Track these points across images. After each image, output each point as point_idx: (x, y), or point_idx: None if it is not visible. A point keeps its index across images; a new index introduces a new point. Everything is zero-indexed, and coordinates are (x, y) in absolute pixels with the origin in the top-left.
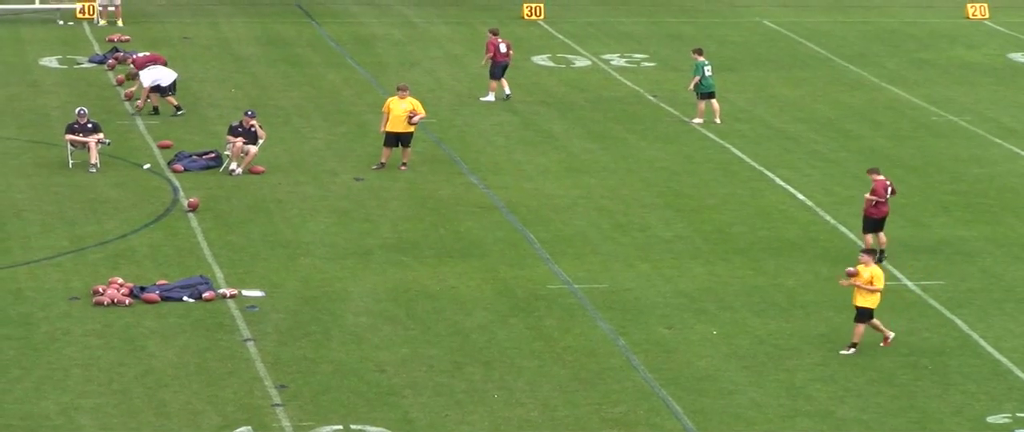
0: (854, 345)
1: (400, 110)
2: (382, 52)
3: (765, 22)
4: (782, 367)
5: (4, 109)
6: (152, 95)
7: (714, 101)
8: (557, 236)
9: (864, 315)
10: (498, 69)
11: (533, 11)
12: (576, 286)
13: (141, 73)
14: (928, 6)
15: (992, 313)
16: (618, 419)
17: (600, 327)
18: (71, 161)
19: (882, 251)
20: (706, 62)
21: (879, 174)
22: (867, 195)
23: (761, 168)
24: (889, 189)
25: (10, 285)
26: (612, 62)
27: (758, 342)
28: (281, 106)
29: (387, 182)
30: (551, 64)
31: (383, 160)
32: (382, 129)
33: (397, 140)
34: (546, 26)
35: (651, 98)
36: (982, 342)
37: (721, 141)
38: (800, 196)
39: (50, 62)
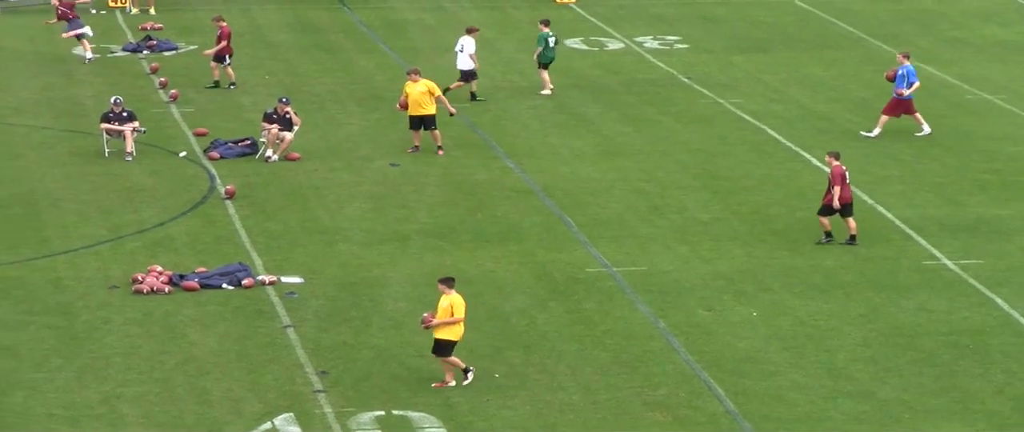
0: (467, 370)
1: (416, 93)
2: (414, 37)
3: (796, 2)
4: (823, 348)
5: (39, 99)
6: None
7: (545, 73)
8: (594, 219)
9: (443, 348)
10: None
11: None
12: (615, 269)
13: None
14: None
15: None
16: (660, 402)
17: (640, 310)
18: (107, 150)
19: (852, 236)
20: (550, 33)
21: (837, 160)
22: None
23: (797, 149)
24: (846, 175)
25: (49, 274)
26: (645, 44)
27: (798, 323)
28: (315, 92)
29: (423, 167)
30: (584, 47)
31: (416, 143)
32: (399, 106)
33: (421, 123)
34: (578, 9)
35: (685, 80)
36: (1023, 320)
37: (756, 122)
38: None
39: (84, 51)
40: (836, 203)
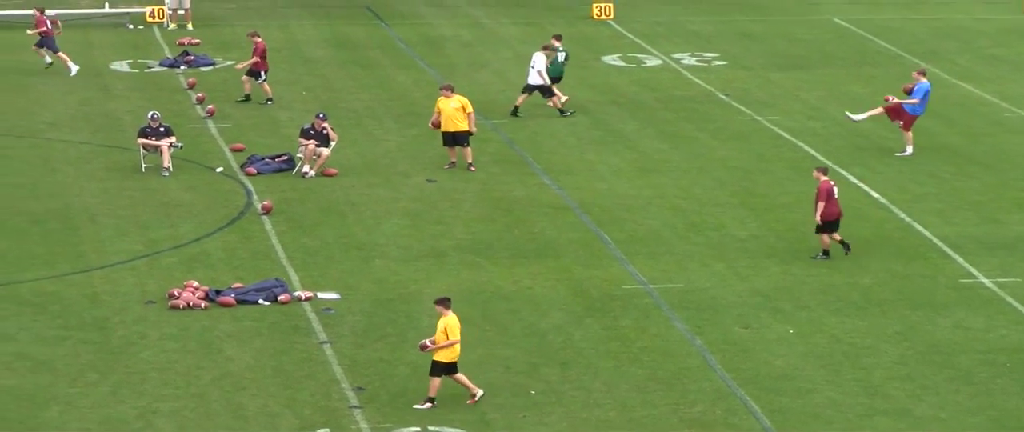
0: (431, 400)
1: (450, 109)
2: (451, 53)
3: (835, 19)
4: (859, 365)
5: (76, 114)
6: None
7: (554, 87)
8: (631, 236)
9: (443, 369)
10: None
11: (603, 11)
12: (651, 286)
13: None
14: (997, 2)
15: None
16: (696, 419)
17: (676, 327)
18: (144, 165)
19: (841, 242)
20: (560, 48)
21: (825, 175)
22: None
23: (834, 166)
24: (834, 191)
25: (86, 289)
26: (683, 61)
27: (835, 341)
28: (352, 108)
29: (459, 183)
30: (621, 64)
31: (453, 159)
32: (432, 124)
33: (454, 139)
34: (616, 26)
35: (722, 97)
36: None
37: (794, 140)
38: (874, 194)
39: (121, 66)
40: (818, 219)
